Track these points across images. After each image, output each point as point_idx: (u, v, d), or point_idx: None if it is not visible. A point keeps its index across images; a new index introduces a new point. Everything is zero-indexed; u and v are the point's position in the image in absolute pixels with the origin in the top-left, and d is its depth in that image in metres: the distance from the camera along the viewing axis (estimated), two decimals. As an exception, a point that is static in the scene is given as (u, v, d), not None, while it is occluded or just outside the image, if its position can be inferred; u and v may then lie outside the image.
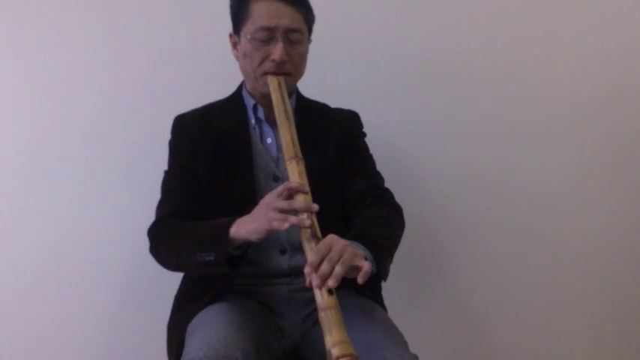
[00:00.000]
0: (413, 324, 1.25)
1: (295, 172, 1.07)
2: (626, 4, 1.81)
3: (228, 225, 1.09)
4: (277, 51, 1.19)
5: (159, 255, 1.23)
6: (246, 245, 1.13)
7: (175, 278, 1.30)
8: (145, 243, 1.27)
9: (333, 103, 1.40)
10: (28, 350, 1.64)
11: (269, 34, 1.19)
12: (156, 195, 1.31)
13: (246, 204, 1.21)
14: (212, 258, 1.09)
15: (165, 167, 1.31)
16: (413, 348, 1.08)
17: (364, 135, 1.39)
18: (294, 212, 1.03)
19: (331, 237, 1.00)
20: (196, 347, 0.99)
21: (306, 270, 0.96)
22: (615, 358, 1.86)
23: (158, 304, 1.39)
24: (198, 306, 1.16)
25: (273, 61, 1.20)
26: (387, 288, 1.25)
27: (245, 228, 1.07)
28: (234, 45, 1.28)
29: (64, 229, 1.64)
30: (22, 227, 1.63)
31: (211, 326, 1.05)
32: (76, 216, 1.65)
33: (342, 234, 1.12)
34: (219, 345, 0.98)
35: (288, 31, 1.20)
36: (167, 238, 1.20)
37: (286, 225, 1.01)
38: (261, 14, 1.19)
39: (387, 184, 1.33)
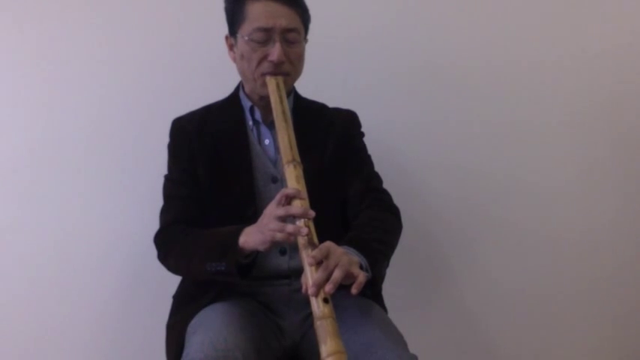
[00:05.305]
0: (413, 324, 1.25)
1: (293, 177, 1.06)
2: (628, 3, 1.79)
3: (236, 234, 1.10)
4: (275, 51, 1.18)
5: (168, 263, 1.24)
6: (255, 253, 1.13)
7: (175, 278, 1.30)
8: (144, 243, 1.28)
9: (332, 103, 1.40)
10: (28, 350, 1.64)
11: (266, 35, 1.19)
12: (155, 195, 1.31)
13: (245, 206, 1.22)
14: (223, 268, 1.10)
15: (164, 167, 1.31)
16: (412, 348, 1.08)
17: (362, 135, 1.38)
18: (292, 218, 1.02)
19: (328, 244, 1.00)
20: (196, 348, 0.99)
21: (303, 278, 0.96)
22: (616, 360, 1.86)
23: (157, 304, 1.39)
24: (198, 306, 1.16)
25: (271, 61, 1.19)
26: (387, 288, 1.25)
27: (252, 239, 1.07)
28: (231, 47, 1.28)
29: (63, 229, 1.64)
30: (22, 228, 1.63)
31: (211, 327, 1.05)
32: (76, 217, 1.65)
33: (340, 235, 1.13)
34: (220, 346, 0.99)
35: (286, 31, 1.19)
36: (175, 248, 1.21)
37: (291, 239, 1.01)
38: (257, 15, 1.18)
39: (385, 185, 1.33)
